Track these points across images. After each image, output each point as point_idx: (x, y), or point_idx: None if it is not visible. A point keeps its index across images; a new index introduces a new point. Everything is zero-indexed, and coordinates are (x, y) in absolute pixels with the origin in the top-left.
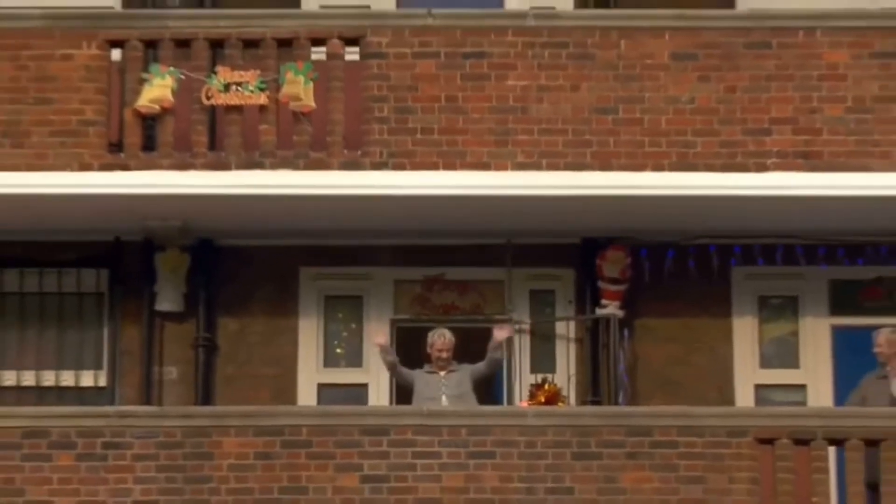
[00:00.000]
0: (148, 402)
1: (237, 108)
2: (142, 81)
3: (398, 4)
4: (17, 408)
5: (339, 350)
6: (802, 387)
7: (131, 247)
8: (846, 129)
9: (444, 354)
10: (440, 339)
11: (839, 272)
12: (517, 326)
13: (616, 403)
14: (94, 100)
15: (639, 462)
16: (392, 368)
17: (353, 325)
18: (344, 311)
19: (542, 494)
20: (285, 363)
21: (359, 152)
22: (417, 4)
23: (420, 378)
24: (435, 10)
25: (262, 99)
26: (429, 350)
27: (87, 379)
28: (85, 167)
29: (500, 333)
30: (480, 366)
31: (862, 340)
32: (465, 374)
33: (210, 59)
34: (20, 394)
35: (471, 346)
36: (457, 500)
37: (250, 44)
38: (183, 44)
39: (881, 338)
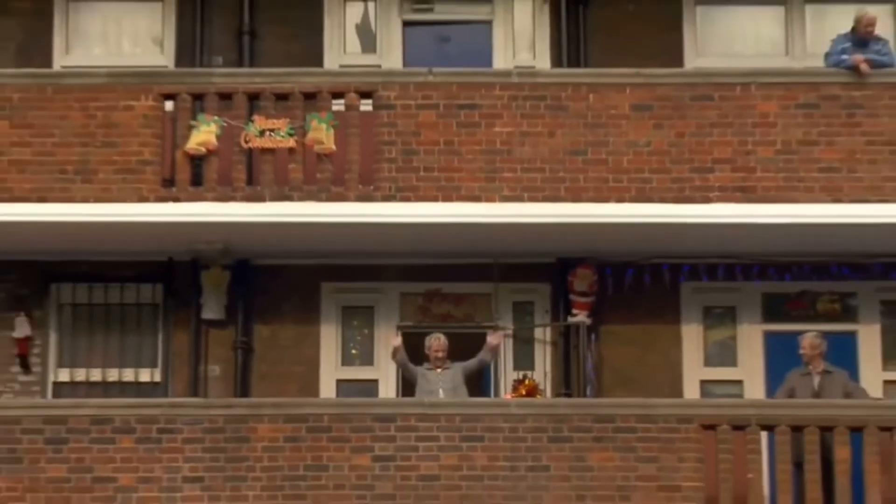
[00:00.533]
0: (195, 394)
1: (270, 151)
2: (190, 128)
3: (404, 64)
4: (87, 399)
5: (354, 351)
6: (739, 382)
7: (181, 266)
8: (776, 168)
9: (440, 354)
10: (436, 341)
11: (770, 287)
12: (504, 332)
13: (584, 396)
14: (150, 143)
15: (603, 444)
16: (402, 365)
17: (366, 331)
18: (358, 319)
19: (522, 471)
20: (309, 362)
21: (371, 187)
22: (420, 64)
23: (421, 374)
24: (435, 69)
25: (291, 143)
26: (427, 351)
27: (144, 375)
28: (143, 199)
29: (493, 339)
30: (472, 363)
31: (789, 343)
32: (458, 370)
33: (248, 110)
34: (89, 388)
35: (464, 348)
36: (452, 476)
37: (281, 97)
38: (225, 97)
39: (805, 341)
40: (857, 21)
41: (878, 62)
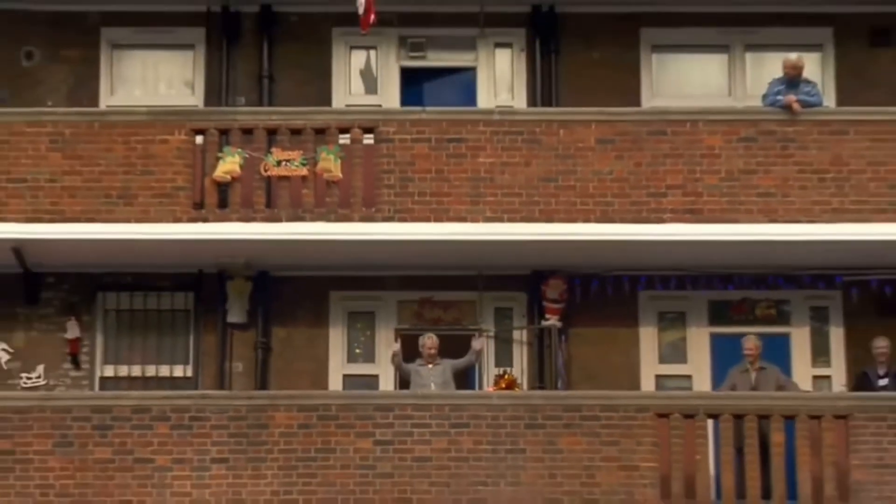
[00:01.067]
0: (221, 387)
1: (286, 178)
2: (217, 159)
3: (401, 103)
4: (129, 391)
5: (358, 351)
6: (689, 377)
7: (209, 277)
8: (720, 193)
9: (432, 352)
10: (429, 340)
11: (715, 295)
12: (486, 334)
13: (556, 388)
14: (183, 172)
15: (572, 430)
16: (398, 367)
17: (368, 333)
18: (361, 323)
19: (502, 454)
20: (319, 360)
21: (373, 209)
22: (415, 103)
23: (414, 371)
24: (428, 108)
25: (304, 171)
26: (421, 349)
27: (178, 371)
28: (177, 220)
29: (477, 344)
30: (460, 362)
31: (732, 344)
32: (448, 367)
33: (266, 143)
34: (130, 381)
35: (452, 347)
36: (442, 458)
37: (295, 132)
38: (247, 132)
39: (750, 343)
40: (783, 64)
41: (807, 102)
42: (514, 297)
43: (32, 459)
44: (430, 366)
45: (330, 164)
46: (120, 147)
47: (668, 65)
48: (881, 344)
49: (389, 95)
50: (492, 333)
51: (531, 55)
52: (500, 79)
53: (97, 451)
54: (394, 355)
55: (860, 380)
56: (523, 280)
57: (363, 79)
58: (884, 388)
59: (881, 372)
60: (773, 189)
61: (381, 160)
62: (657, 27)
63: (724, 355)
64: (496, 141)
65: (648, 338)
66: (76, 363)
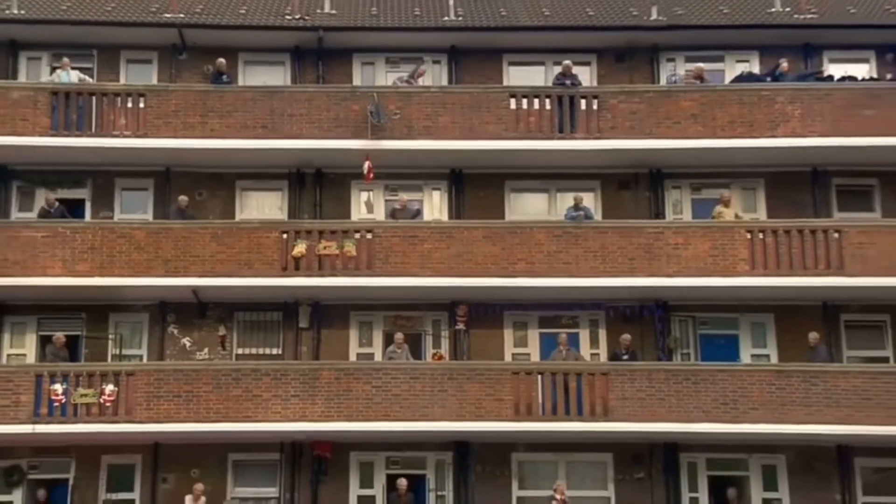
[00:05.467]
0: (296, 358)
1: (328, 255)
2: (293, 246)
3: (385, 218)
4: (248, 361)
5: (363, 341)
6: (528, 354)
7: (290, 304)
8: (546, 262)
9: (400, 341)
10: (399, 336)
11: (542, 313)
12: (428, 333)
13: (463, 360)
14: (276, 252)
15: (471, 381)
16: (389, 358)
17: (368, 333)
18: (365, 328)
19: (436, 392)
20: (345, 345)
21: (371, 271)
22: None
23: (393, 352)
24: (401, 221)
25: (337, 252)
26: (395, 341)
27: (274, 351)
28: (273, 276)
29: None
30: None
31: (551, 339)
32: (407, 352)
33: (318, 237)
34: (250, 356)
35: (410, 340)
36: (406, 395)
37: (332, 232)
38: (308, 232)
39: (564, 337)
40: (574, 199)
41: (587, 216)
42: (441, 314)
43: (201, 395)
44: (399, 350)
45: (350, 248)
46: (245, 240)
47: (520, 199)
48: (625, 337)
49: (379, 215)
50: (430, 332)
51: (450, 194)
52: (434, 206)
53: (233, 391)
54: (389, 351)
55: (614, 356)
56: (445, 305)
57: (366, 206)
58: (625, 360)
59: (624, 351)
60: (570, 261)
61: (375, 246)
62: (514, 180)
63: (546, 345)
64: (432, 236)
65: (508, 335)
66: (224, 347)
